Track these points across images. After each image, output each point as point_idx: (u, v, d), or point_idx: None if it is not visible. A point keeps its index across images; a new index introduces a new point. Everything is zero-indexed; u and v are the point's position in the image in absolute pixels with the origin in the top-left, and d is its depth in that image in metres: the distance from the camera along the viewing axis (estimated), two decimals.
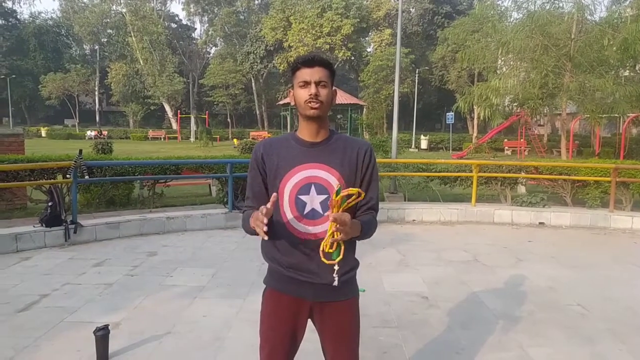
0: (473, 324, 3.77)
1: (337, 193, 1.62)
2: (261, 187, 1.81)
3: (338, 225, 1.56)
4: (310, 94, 1.70)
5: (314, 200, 1.74)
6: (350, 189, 1.65)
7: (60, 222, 5.97)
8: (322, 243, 1.64)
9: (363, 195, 1.69)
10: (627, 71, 17.51)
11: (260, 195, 1.81)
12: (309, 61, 1.73)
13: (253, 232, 1.69)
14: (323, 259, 1.65)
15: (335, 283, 1.73)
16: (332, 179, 1.74)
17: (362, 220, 1.74)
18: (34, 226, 5.93)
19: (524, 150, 27.61)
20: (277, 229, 1.77)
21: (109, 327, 3.11)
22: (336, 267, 1.69)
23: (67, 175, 6.26)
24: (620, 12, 14.99)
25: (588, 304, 4.24)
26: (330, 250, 1.64)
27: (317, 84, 1.71)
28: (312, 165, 1.75)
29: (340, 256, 1.66)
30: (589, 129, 26.79)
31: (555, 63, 14.40)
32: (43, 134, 42.99)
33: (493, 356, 3.24)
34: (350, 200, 1.64)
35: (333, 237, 1.60)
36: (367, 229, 1.76)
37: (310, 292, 1.80)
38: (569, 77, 14.33)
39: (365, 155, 1.80)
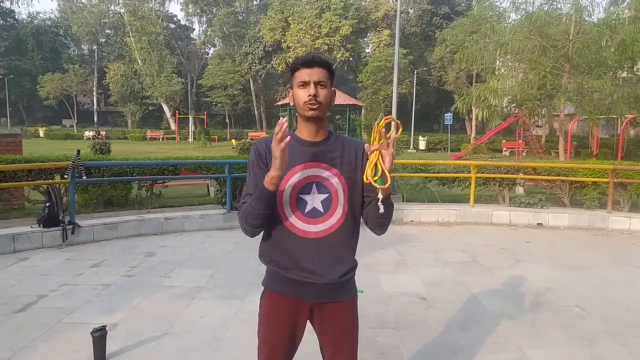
0: (471, 325, 3.77)
1: (379, 123, 1.62)
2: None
3: (382, 154, 1.58)
4: (310, 95, 1.69)
5: (315, 199, 1.74)
6: (392, 117, 1.65)
7: (58, 223, 5.96)
8: (366, 173, 1.63)
9: (401, 129, 1.66)
10: (625, 72, 17.57)
11: None
12: (308, 62, 1.73)
13: (254, 221, 1.71)
14: (374, 184, 1.62)
15: (381, 210, 1.67)
16: (332, 178, 1.75)
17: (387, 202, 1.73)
18: (31, 227, 5.92)
19: (522, 151, 27.65)
20: (277, 228, 1.77)
21: (107, 328, 3.10)
22: (380, 196, 1.66)
23: (65, 176, 6.25)
24: (618, 14, 15.03)
25: (586, 305, 4.25)
26: (376, 178, 1.62)
27: (317, 84, 1.71)
28: (313, 165, 1.75)
29: (388, 182, 1.63)
30: (587, 130, 26.84)
31: (554, 64, 14.43)
32: (41, 134, 42.91)
33: (491, 357, 3.24)
34: (392, 131, 1.62)
35: (376, 166, 1.61)
36: (392, 206, 1.76)
37: (310, 293, 1.79)
38: (567, 78, 14.36)
39: (363, 152, 1.81)
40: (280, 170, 1.60)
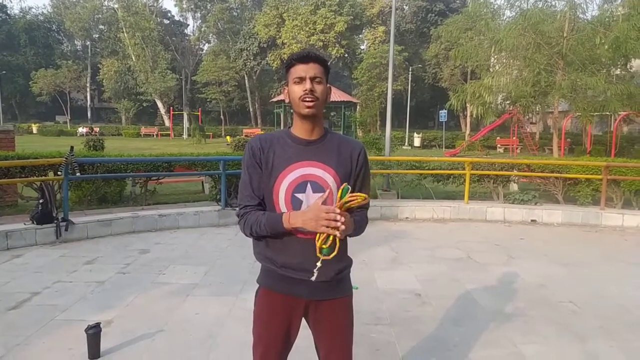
0: (465, 321, 3.78)
1: (344, 194, 1.63)
2: (261, 182, 1.77)
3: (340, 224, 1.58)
4: (305, 90, 1.69)
5: (309, 198, 1.73)
6: (358, 194, 1.65)
7: (52, 220, 5.93)
8: (318, 240, 1.64)
9: (367, 201, 1.69)
10: (619, 69, 17.67)
11: (260, 192, 1.77)
12: (303, 57, 1.72)
13: (260, 236, 1.74)
14: (318, 254, 1.65)
15: (313, 278, 1.71)
16: (327, 177, 1.75)
17: (355, 218, 1.75)
18: (24, 223, 5.88)
19: (516, 148, 27.75)
20: None
21: (101, 325, 3.10)
22: (319, 264, 1.68)
23: (59, 172, 6.21)
24: (612, 11, 15.09)
25: (579, 301, 4.27)
26: (324, 247, 1.64)
27: (312, 79, 1.70)
28: (308, 163, 1.74)
29: (335, 252, 1.66)
30: (581, 127, 26.94)
31: (548, 61, 14.49)
32: (34, 131, 42.61)
33: (485, 353, 3.26)
34: (353, 203, 1.64)
35: (329, 235, 1.62)
36: (359, 227, 1.80)
37: (305, 290, 1.79)
38: (561, 75, 14.42)
39: (359, 155, 1.83)
40: (310, 230, 1.62)
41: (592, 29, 13.86)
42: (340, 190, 1.64)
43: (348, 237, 1.87)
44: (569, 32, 14.34)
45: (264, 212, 1.75)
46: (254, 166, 1.77)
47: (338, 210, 1.59)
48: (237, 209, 1.83)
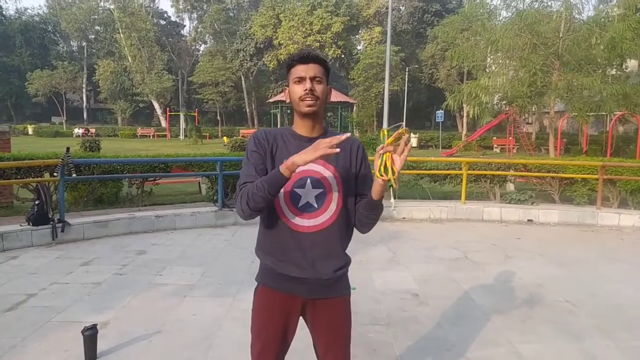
0: (463, 321, 3.79)
1: (390, 134, 1.62)
2: (264, 167, 1.75)
3: (394, 158, 1.59)
4: (306, 89, 1.71)
5: (308, 194, 1.75)
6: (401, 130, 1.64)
7: (48, 221, 5.91)
8: (377, 171, 1.64)
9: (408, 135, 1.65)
10: (614, 70, 17.73)
11: (263, 173, 1.73)
12: (304, 58, 1.74)
13: (258, 205, 1.65)
14: (387, 176, 1.62)
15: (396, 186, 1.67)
16: (327, 173, 1.77)
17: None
18: (20, 225, 5.86)
19: (513, 148, 27.81)
20: (272, 222, 1.78)
21: (98, 327, 3.08)
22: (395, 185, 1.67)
23: (55, 174, 6.19)
24: (608, 12, 15.15)
25: (576, 300, 4.29)
26: (387, 178, 1.62)
27: (312, 79, 1.72)
28: None
29: (396, 185, 1.64)
30: (577, 127, 27.07)
31: (544, 61, 14.53)
32: (30, 132, 42.46)
33: (483, 353, 3.26)
34: (399, 134, 1.62)
35: (388, 166, 1.61)
36: (381, 207, 1.79)
37: (303, 288, 1.79)
38: (557, 75, 14.46)
39: (358, 151, 1.86)
40: (305, 162, 1.57)
41: (587, 29, 13.91)
42: (383, 132, 1.63)
43: (350, 238, 1.88)
44: (564, 33, 14.39)
45: None
46: (258, 152, 1.77)
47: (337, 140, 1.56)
48: (237, 188, 1.77)
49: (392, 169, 1.61)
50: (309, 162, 1.57)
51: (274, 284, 1.82)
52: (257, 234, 1.89)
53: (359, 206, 1.82)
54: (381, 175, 1.63)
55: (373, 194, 1.70)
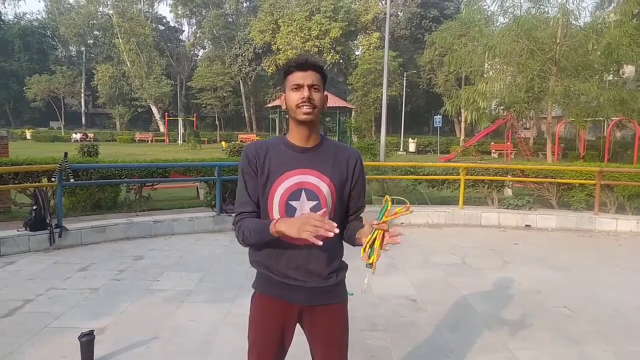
0: (461, 327, 3.78)
1: (382, 212, 1.57)
2: (257, 189, 1.77)
3: (385, 238, 1.55)
4: (303, 97, 1.68)
5: (304, 206, 1.73)
6: (399, 208, 1.60)
7: (45, 226, 5.89)
8: (364, 247, 1.60)
9: (410, 209, 1.64)
10: (611, 75, 17.81)
11: (256, 198, 1.77)
12: (302, 64, 1.72)
13: (256, 243, 1.72)
14: (366, 261, 1.60)
15: (365, 289, 1.71)
16: (322, 185, 1.74)
17: (357, 225, 1.79)
18: (17, 230, 5.84)
19: (511, 153, 27.88)
20: None
21: (94, 333, 3.07)
22: (367, 278, 1.70)
23: (52, 179, 6.18)
24: (604, 18, 15.24)
25: (574, 305, 4.29)
26: (371, 261, 1.59)
27: (310, 87, 1.70)
28: (303, 171, 1.74)
29: (374, 268, 1.62)
30: (574, 132, 27.15)
31: (541, 67, 14.59)
32: (28, 137, 42.43)
33: (481, 358, 3.26)
34: (396, 216, 1.60)
35: (375, 245, 1.58)
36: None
37: (299, 296, 1.79)
38: (554, 81, 14.52)
39: (356, 164, 1.83)
40: (295, 236, 1.56)
41: (584, 35, 13.99)
42: (382, 209, 1.58)
43: (345, 243, 1.89)
44: (561, 39, 14.46)
45: (256, 219, 1.75)
46: (250, 173, 1.76)
47: (326, 220, 1.52)
48: (234, 216, 1.82)
49: (377, 251, 1.57)
50: (292, 233, 1.55)
51: (271, 291, 1.82)
52: None
53: (349, 229, 1.82)
54: (364, 255, 1.59)
55: (361, 237, 1.66)
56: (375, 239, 1.57)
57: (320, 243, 1.51)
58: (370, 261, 1.58)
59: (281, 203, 1.73)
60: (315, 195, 1.73)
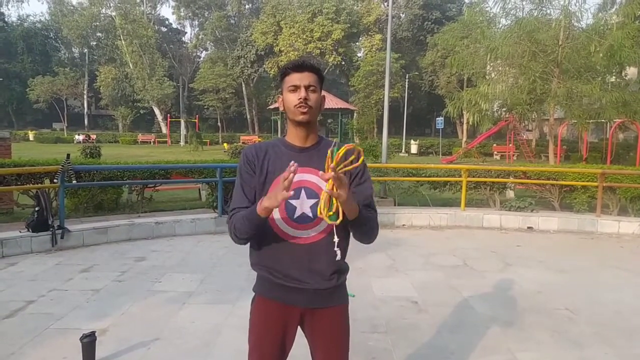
0: (462, 329, 3.78)
1: (333, 155, 1.56)
2: (253, 189, 1.78)
3: (335, 185, 1.54)
4: (300, 98, 1.70)
5: (303, 205, 1.74)
6: (350, 144, 1.60)
7: (47, 228, 5.90)
8: (319, 206, 1.61)
9: (361, 160, 1.64)
10: (614, 77, 17.77)
11: (252, 197, 1.77)
12: (298, 66, 1.74)
13: (243, 236, 1.72)
14: (326, 219, 1.60)
15: (338, 257, 1.72)
16: (322, 183, 1.75)
17: (362, 212, 1.71)
18: (20, 231, 5.86)
19: (513, 155, 27.84)
20: (267, 235, 1.76)
21: (96, 334, 3.07)
22: (336, 239, 1.68)
23: (55, 180, 6.20)
24: (607, 19, 15.22)
25: (576, 308, 4.28)
26: (330, 213, 1.59)
27: (307, 88, 1.72)
28: (302, 170, 1.74)
29: (340, 218, 1.61)
30: (577, 134, 27.09)
31: (543, 69, 14.58)
32: (31, 138, 42.60)
33: None
34: (347, 162, 1.58)
35: (331, 199, 1.57)
36: (367, 221, 1.74)
37: (300, 298, 1.79)
38: (557, 83, 14.50)
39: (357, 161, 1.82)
40: (277, 205, 1.60)
41: (586, 37, 13.97)
42: (329, 152, 1.56)
43: (352, 239, 1.86)
44: (564, 40, 14.44)
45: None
46: (248, 172, 1.78)
47: (292, 168, 1.53)
48: (229, 213, 1.81)
49: (336, 203, 1.57)
50: (275, 203, 1.58)
51: (272, 294, 1.82)
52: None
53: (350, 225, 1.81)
54: (320, 214, 1.59)
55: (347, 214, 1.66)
56: (330, 196, 1.57)
57: (291, 192, 1.53)
58: (331, 213, 1.58)
59: (281, 202, 1.73)
60: (315, 193, 1.74)
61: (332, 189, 1.55)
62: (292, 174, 1.53)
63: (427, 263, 5.74)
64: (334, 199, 1.58)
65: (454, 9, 49.13)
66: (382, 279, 5.02)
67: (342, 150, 1.57)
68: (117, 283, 4.72)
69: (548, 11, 15.32)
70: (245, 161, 1.79)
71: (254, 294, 1.89)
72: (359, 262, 5.43)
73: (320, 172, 1.62)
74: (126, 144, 40.26)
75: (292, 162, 1.57)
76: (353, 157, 1.61)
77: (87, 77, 56.54)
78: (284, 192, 1.54)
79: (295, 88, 1.72)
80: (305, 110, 1.71)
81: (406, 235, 7.32)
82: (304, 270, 1.75)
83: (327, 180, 1.57)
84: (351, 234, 1.82)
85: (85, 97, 57.07)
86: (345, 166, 1.60)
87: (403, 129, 37.31)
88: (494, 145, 31.74)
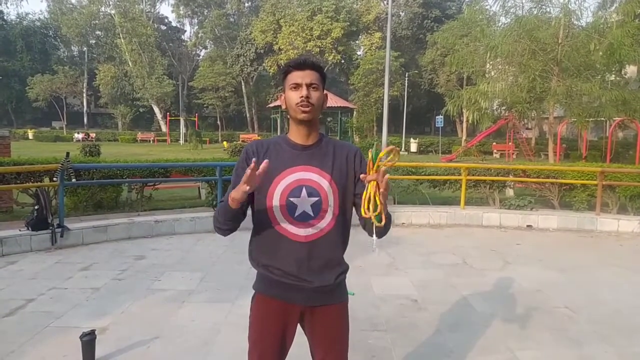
0: (462, 327, 3.78)
1: (376, 155, 1.55)
2: None
3: (380, 186, 1.53)
4: (302, 96, 1.70)
5: (304, 203, 1.74)
6: (393, 147, 1.58)
7: (47, 226, 5.90)
8: (363, 207, 1.58)
9: (398, 157, 1.62)
10: (613, 76, 17.80)
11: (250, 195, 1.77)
12: (300, 64, 1.74)
13: (222, 227, 1.74)
14: (374, 220, 1.59)
15: (375, 250, 1.70)
16: (323, 182, 1.75)
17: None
18: (19, 230, 5.85)
19: (512, 154, 27.85)
20: (267, 232, 1.77)
21: (96, 332, 3.08)
22: (375, 237, 1.66)
23: (54, 178, 6.19)
24: (606, 18, 15.23)
25: (575, 306, 4.28)
26: (376, 213, 1.57)
27: (309, 86, 1.72)
28: (304, 168, 1.75)
29: (384, 220, 1.60)
30: (576, 132, 27.11)
31: (543, 67, 14.59)
32: (30, 136, 42.57)
33: (481, 359, 3.26)
34: (385, 161, 1.57)
35: (374, 199, 1.55)
36: (390, 218, 1.73)
37: (300, 296, 1.79)
38: (556, 81, 14.51)
39: (355, 157, 1.83)
40: (243, 195, 1.60)
41: (586, 35, 13.97)
42: (370, 154, 1.56)
43: (352, 238, 1.87)
44: (563, 39, 14.45)
45: None
46: (244, 167, 1.76)
47: (252, 165, 1.53)
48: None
49: (378, 201, 1.55)
50: (246, 194, 1.59)
51: (271, 292, 1.82)
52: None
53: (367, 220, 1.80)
54: (365, 214, 1.57)
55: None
56: (370, 194, 1.57)
57: (248, 188, 1.55)
58: (377, 212, 1.57)
59: (282, 200, 1.74)
60: (316, 191, 1.74)
61: (376, 190, 1.55)
62: (253, 171, 1.54)
63: (427, 261, 5.74)
64: (377, 200, 1.56)
65: (453, 7, 49.05)
66: (382, 278, 5.02)
67: (383, 153, 1.56)
68: (117, 281, 4.72)
69: (548, 9, 15.35)
70: (245, 157, 1.80)
71: (253, 292, 1.89)
72: (359, 261, 5.43)
73: (362, 175, 1.60)
74: (126, 142, 40.24)
75: (266, 160, 1.59)
76: (391, 156, 1.59)
77: (86, 75, 56.46)
78: (244, 186, 1.56)
79: (297, 86, 1.72)
80: (306, 108, 1.71)
81: (406, 233, 7.32)
82: (303, 268, 1.75)
83: (369, 182, 1.56)
84: (365, 228, 1.81)
85: (84, 95, 57.00)
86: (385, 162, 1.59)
87: (403, 128, 37.32)
88: (494, 143, 31.74)
